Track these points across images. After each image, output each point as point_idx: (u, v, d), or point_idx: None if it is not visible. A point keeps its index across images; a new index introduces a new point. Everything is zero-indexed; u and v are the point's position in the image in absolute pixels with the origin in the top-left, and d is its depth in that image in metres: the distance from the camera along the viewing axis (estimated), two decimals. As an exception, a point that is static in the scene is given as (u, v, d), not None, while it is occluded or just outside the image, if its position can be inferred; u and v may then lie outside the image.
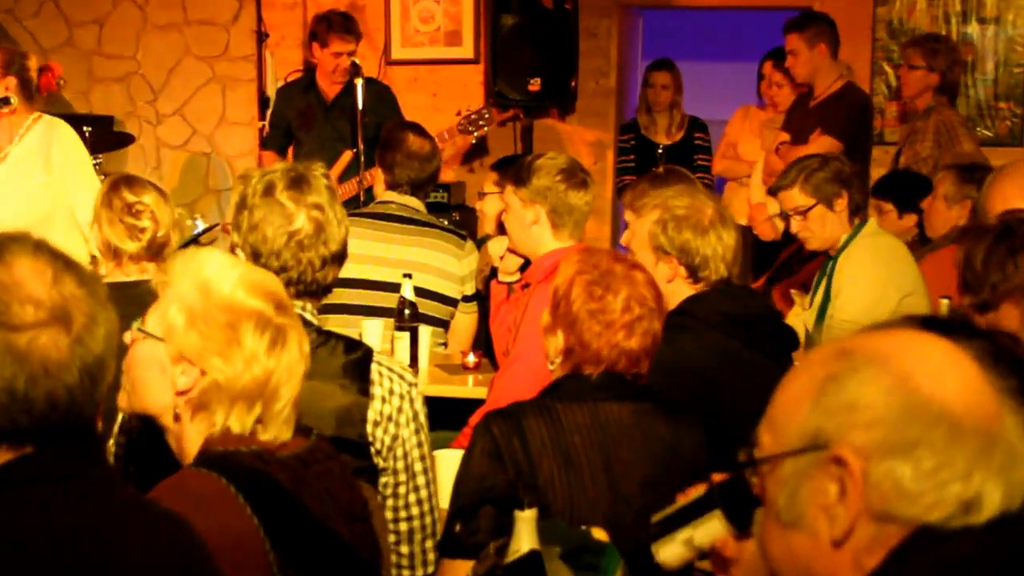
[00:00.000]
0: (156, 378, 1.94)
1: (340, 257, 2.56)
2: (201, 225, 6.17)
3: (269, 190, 2.50)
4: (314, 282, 2.53)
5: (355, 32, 5.86)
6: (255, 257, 2.49)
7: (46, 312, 1.51)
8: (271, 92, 6.73)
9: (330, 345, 2.51)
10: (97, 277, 1.60)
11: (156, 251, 3.38)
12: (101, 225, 3.35)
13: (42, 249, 1.57)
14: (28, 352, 1.48)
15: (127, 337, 1.95)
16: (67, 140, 4.62)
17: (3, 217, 4.42)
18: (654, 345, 2.45)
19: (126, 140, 6.63)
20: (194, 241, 5.65)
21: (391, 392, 2.52)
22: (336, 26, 5.83)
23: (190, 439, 1.94)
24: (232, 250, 2.54)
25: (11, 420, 1.49)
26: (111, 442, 2.41)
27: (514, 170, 3.72)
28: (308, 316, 2.54)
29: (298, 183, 2.50)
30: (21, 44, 7.14)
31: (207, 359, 1.89)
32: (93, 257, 3.50)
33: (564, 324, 2.44)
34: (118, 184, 3.39)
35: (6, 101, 4.44)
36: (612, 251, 2.62)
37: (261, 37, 6.93)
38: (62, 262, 1.57)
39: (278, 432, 1.94)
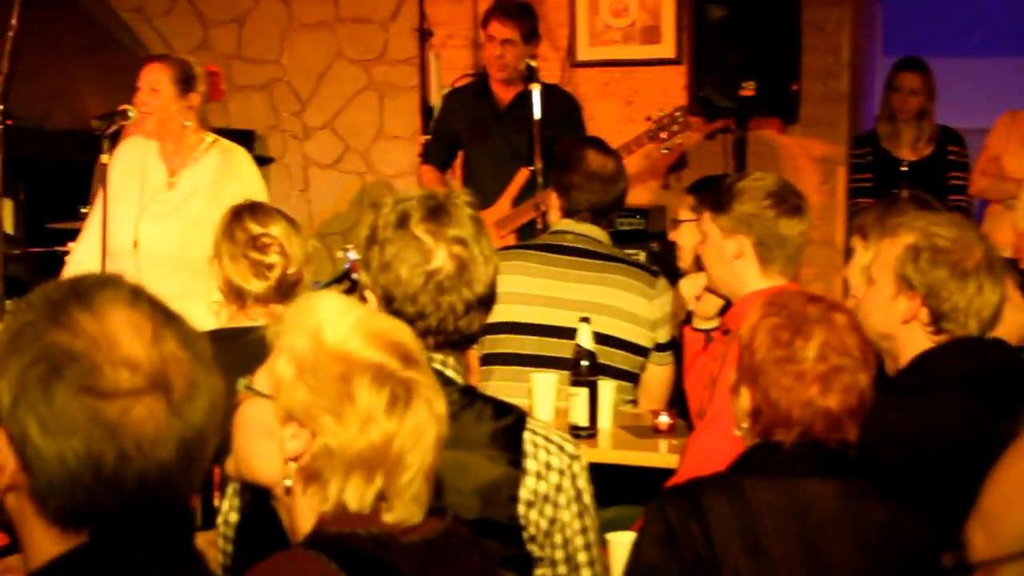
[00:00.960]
0: (264, 443, 1.95)
1: (487, 301, 2.55)
2: (353, 258, 6.29)
3: (403, 221, 2.50)
4: (456, 331, 2.52)
5: (518, 18, 5.87)
6: (387, 301, 2.50)
7: (143, 377, 1.51)
8: (436, 101, 6.82)
9: (476, 408, 2.50)
10: (200, 335, 1.61)
11: (286, 291, 3.44)
12: (222, 261, 3.43)
13: (140, 298, 1.58)
14: (120, 424, 1.49)
15: (240, 386, 1.98)
16: (246, 172, 4.77)
17: (164, 252, 4.59)
18: (860, 405, 2.36)
19: (266, 160, 6.83)
20: (344, 279, 5.76)
21: (548, 467, 2.49)
22: (499, 7, 5.90)
23: (302, 515, 1.94)
24: (361, 293, 2.56)
25: (93, 501, 1.50)
26: (219, 519, 2.45)
27: (713, 193, 3.67)
28: (450, 372, 2.53)
29: (437, 213, 2.50)
30: (150, 47, 7.46)
31: (317, 418, 1.89)
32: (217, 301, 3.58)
33: (748, 379, 2.39)
34: (241, 213, 3.47)
35: (124, 115, 4.62)
36: (807, 292, 2.55)
37: (424, 36, 7.04)
38: (162, 315, 1.58)
39: (406, 512, 1.92)
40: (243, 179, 4.76)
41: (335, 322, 1.95)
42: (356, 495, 1.89)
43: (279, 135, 7.56)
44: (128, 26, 7.61)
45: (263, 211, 3.49)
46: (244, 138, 7.07)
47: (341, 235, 7.23)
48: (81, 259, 4.76)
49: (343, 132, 7.52)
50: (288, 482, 1.93)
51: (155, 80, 4.66)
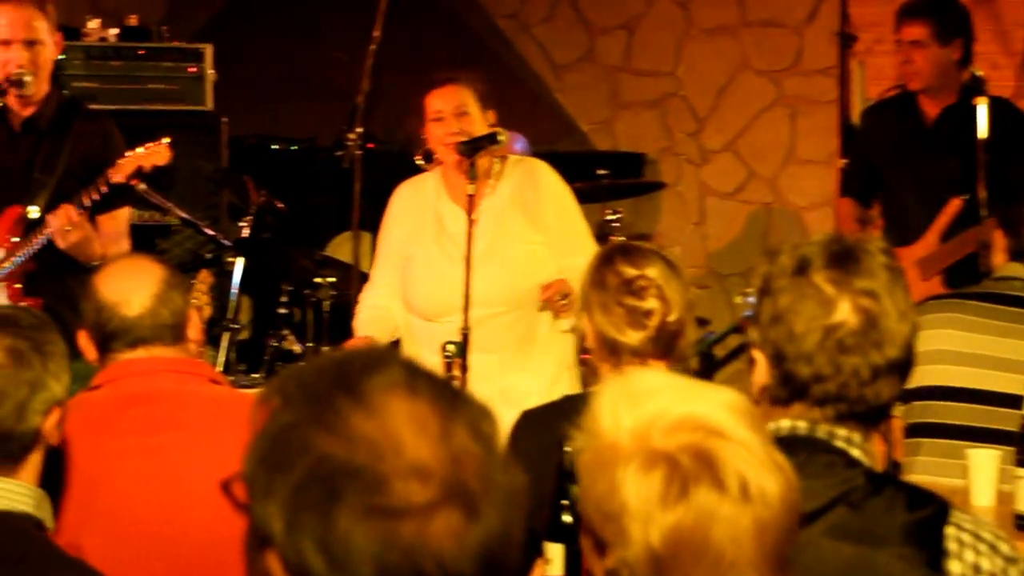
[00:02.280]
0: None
1: (901, 366, 2.46)
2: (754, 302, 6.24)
3: (802, 268, 2.46)
4: (861, 400, 2.44)
5: (926, 15, 5.68)
6: (777, 360, 2.45)
7: (436, 486, 1.47)
8: (858, 117, 6.71)
9: (886, 496, 2.41)
10: (491, 415, 1.58)
11: (667, 344, 3.42)
12: (592, 312, 3.45)
13: (418, 380, 1.53)
14: (415, 545, 1.45)
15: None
16: (555, 185, 4.84)
17: (493, 295, 4.67)
18: None
19: (656, 185, 6.87)
20: (739, 330, 5.73)
21: (977, 570, 2.38)
22: (905, 5, 5.74)
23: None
24: (750, 354, 2.52)
25: None
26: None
27: None
28: (856, 452, 2.45)
29: (843, 260, 2.44)
30: (529, 59, 7.65)
31: (600, 527, 1.87)
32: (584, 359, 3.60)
33: None
34: (612, 256, 3.48)
35: (492, 139, 4.72)
36: None
37: (846, 41, 6.92)
38: (446, 400, 1.52)
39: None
40: (554, 192, 4.81)
41: (634, 402, 1.91)
42: None
43: (672, 159, 7.60)
44: (503, 35, 7.82)
45: (637, 251, 3.50)
46: (632, 162, 7.14)
47: (741, 276, 7.19)
48: (369, 300, 4.95)
49: (747, 155, 7.50)
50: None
51: (461, 102, 4.75)
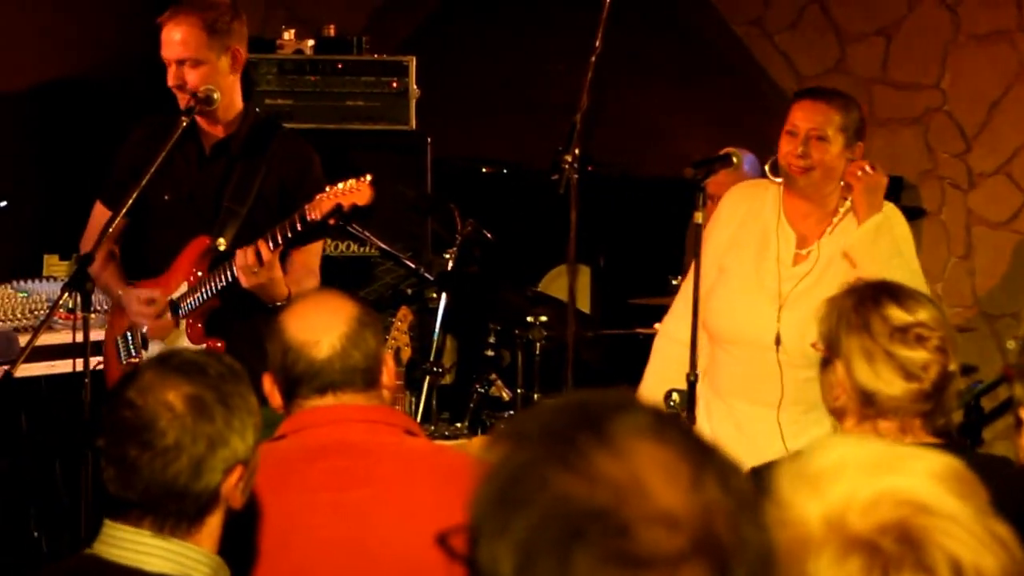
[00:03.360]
0: None
1: None
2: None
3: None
4: None
5: None
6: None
7: (685, 537, 1.49)
8: None
9: None
10: (740, 469, 1.58)
11: (936, 398, 3.39)
12: (851, 360, 3.42)
13: (667, 426, 1.56)
14: None
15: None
16: (905, 241, 4.71)
17: (798, 342, 4.61)
18: None
19: (916, 213, 6.77)
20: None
21: None
22: None
23: None
24: (1016, 413, 2.48)
25: None
26: None
27: None
28: None
29: None
30: (771, 70, 7.61)
31: None
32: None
33: None
34: (877, 297, 3.44)
35: (726, 161, 4.71)
36: None
37: None
38: (697, 449, 1.55)
39: None
40: (898, 238, 4.71)
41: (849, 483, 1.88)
42: None
43: (935, 183, 7.50)
44: (741, 43, 7.79)
45: (906, 293, 3.45)
46: (889, 186, 7.04)
47: (1013, 317, 7.04)
48: (675, 333, 4.86)
49: (1022, 179, 7.35)
50: None
51: (823, 123, 4.67)
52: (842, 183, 4.66)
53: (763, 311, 4.66)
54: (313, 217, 4.72)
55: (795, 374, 4.61)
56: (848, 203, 4.70)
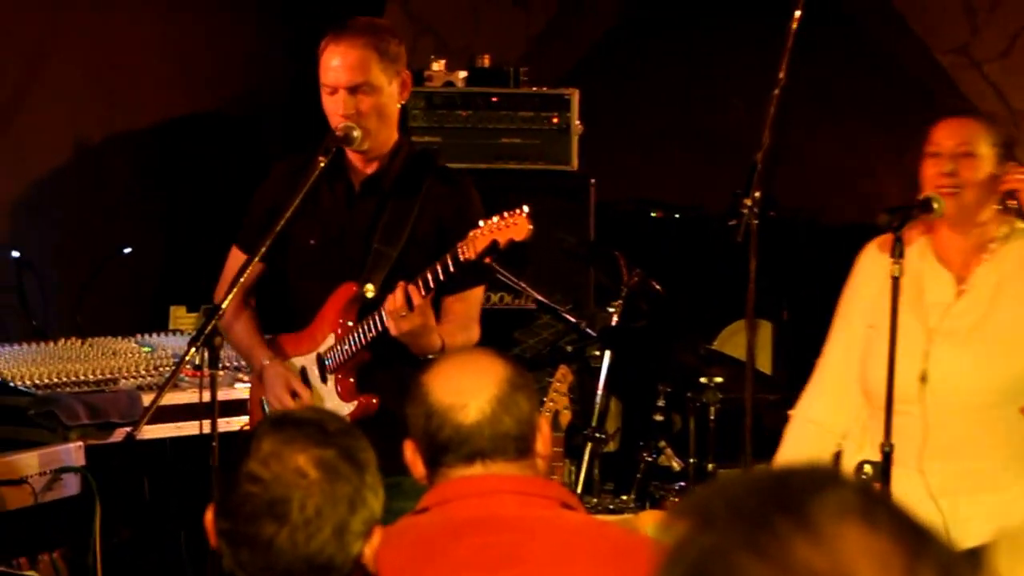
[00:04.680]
0: None
1: None
2: None
3: None
4: None
5: None
6: None
7: None
8: None
9: None
10: (962, 558, 1.54)
11: None
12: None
13: (877, 508, 1.51)
14: None
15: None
16: None
17: (956, 390, 4.56)
18: None
19: None
20: None
21: None
22: None
23: None
24: None
25: None
26: None
27: None
28: None
29: None
30: (978, 103, 7.53)
31: None
32: None
33: None
34: None
35: (926, 206, 4.64)
36: None
37: None
38: (911, 533, 1.49)
39: None
40: None
41: None
42: None
43: None
44: (945, 73, 7.72)
45: None
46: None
47: None
48: (810, 414, 4.84)
49: None
50: None
51: (969, 139, 4.63)
52: (999, 206, 4.58)
53: (911, 350, 4.58)
54: (467, 256, 4.62)
55: (978, 416, 4.57)
56: (1007, 229, 4.61)
